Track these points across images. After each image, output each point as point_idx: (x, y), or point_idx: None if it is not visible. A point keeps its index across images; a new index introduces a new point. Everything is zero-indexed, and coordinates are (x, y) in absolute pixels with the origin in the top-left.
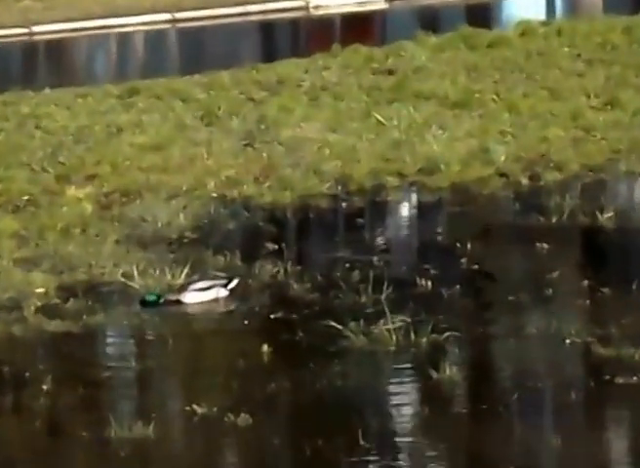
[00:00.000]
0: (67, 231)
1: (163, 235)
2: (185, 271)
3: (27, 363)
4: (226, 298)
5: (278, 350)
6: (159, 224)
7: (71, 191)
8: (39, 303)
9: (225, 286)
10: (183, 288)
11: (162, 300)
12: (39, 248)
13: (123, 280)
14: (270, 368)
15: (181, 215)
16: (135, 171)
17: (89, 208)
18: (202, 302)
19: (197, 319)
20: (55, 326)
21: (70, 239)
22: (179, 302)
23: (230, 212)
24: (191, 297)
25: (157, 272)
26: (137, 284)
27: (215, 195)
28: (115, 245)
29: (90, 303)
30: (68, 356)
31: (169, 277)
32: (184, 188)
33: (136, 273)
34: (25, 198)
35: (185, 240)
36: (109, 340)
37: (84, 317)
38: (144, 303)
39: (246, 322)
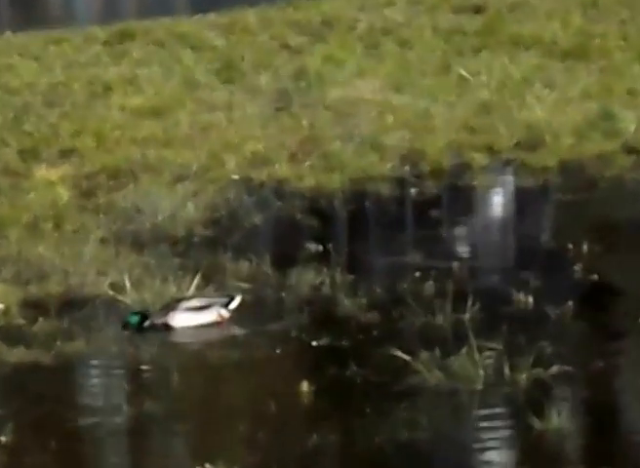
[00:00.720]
0: (35, 226)
1: (165, 232)
2: (196, 282)
3: None
4: (229, 321)
5: (322, 390)
6: (160, 217)
7: (41, 172)
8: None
9: (226, 306)
10: (171, 307)
11: (147, 323)
12: None
13: (111, 293)
14: (312, 414)
15: (191, 205)
16: (127, 144)
17: (65, 194)
18: (196, 326)
19: (207, 346)
20: (18, 355)
21: (40, 237)
22: (166, 326)
23: (257, 200)
24: (181, 320)
25: (157, 283)
26: (128, 298)
27: (236, 177)
28: (100, 245)
29: (65, 325)
30: (36, 397)
31: (173, 289)
32: (195, 168)
33: (128, 284)
34: None
35: (196, 238)
36: (91, 375)
37: (57, 343)
38: (125, 326)
39: (277, 351)
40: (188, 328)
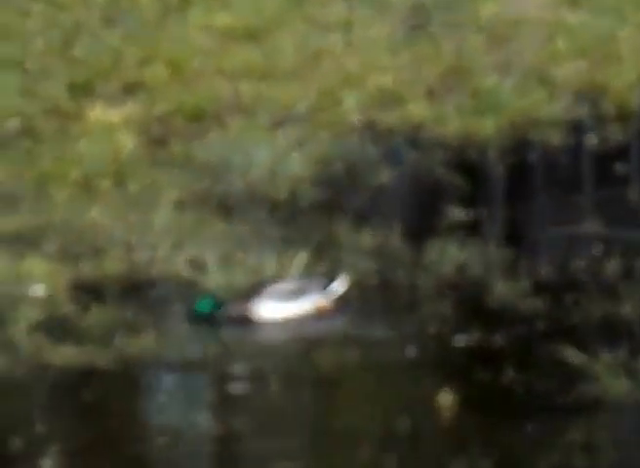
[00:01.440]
0: (89, 185)
1: (262, 193)
2: (303, 258)
3: (16, 423)
4: (333, 311)
5: (470, 402)
6: (255, 173)
7: (97, 112)
8: (36, 314)
9: (326, 289)
10: (253, 293)
11: (220, 312)
12: (37, 214)
13: (188, 273)
14: (455, 433)
15: (296, 158)
16: (212, 76)
17: (128, 143)
18: (285, 319)
19: (309, 345)
20: (65, 355)
21: (94, 199)
22: (245, 319)
23: (385, 151)
24: (266, 310)
25: (250, 259)
26: (212, 280)
27: (357, 121)
28: (175, 209)
29: (128, 316)
30: (89, 410)
31: (272, 268)
32: (302, 109)
33: (211, 261)
34: (13, 125)
35: (303, 201)
36: (161, 383)
37: (117, 340)
38: (192, 316)
39: (410, 352)
40: (275, 321)
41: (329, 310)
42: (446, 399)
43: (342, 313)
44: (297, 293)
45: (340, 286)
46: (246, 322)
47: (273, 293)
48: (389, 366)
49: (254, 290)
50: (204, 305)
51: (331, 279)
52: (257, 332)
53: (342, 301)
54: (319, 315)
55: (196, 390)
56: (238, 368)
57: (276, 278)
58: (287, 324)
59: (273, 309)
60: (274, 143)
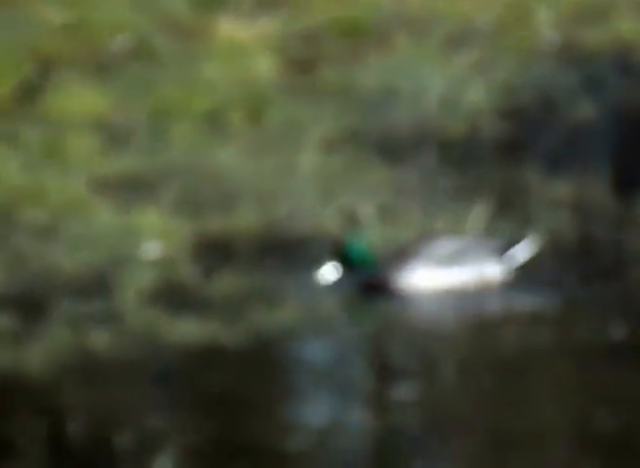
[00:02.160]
0: (215, 119)
1: (434, 128)
2: (482, 212)
3: (124, 415)
4: (508, 285)
5: None
6: (423, 106)
7: (226, 29)
8: (150, 279)
9: (506, 249)
10: (402, 255)
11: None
12: (151, 153)
13: (340, 227)
14: None
15: (474, 88)
16: None
17: (265, 66)
18: (441, 291)
19: (485, 325)
20: (186, 331)
21: (222, 136)
22: (387, 289)
23: (586, 78)
24: (415, 278)
25: (416, 213)
26: (370, 236)
27: (551, 40)
28: (322, 149)
29: (260, 282)
30: (214, 399)
31: (442, 224)
32: (482, 25)
33: (369, 212)
34: (122, 42)
35: (484, 139)
36: (298, 369)
37: (248, 313)
38: (344, 262)
39: (618, 334)
40: (428, 292)
41: (501, 283)
42: None
43: (523, 287)
44: (459, 258)
45: (524, 250)
46: (388, 291)
47: (427, 256)
48: (590, 350)
49: (406, 250)
50: (355, 245)
51: (512, 241)
52: (407, 306)
53: (526, 271)
54: (488, 288)
55: (347, 377)
56: (398, 350)
57: (438, 237)
58: (443, 297)
59: (423, 277)
60: (449, 68)
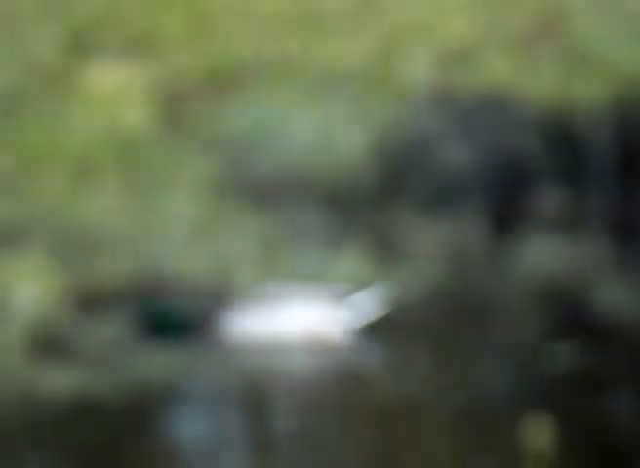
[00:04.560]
0: (86, 167)
1: (307, 173)
2: (354, 256)
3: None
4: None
5: (570, 437)
6: (297, 149)
7: (95, 74)
8: (21, 328)
9: (340, 306)
10: (240, 296)
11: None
12: (21, 202)
13: (213, 274)
14: None
15: (344, 131)
16: (238, 28)
17: (133, 112)
18: (279, 337)
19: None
20: (59, 383)
21: (93, 185)
22: (211, 329)
23: (458, 119)
24: (242, 323)
25: (287, 259)
26: (242, 282)
27: (422, 82)
28: (194, 196)
29: (136, 330)
30: (85, 454)
31: (313, 269)
32: (352, 68)
33: (240, 259)
34: None
35: (357, 184)
36: (176, 420)
37: (119, 363)
38: (155, 325)
39: (489, 377)
40: (248, 340)
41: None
42: (538, 437)
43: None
44: (283, 307)
45: (367, 298)
46: (210, 332)
47: (268, 297)
48: (466, 397)
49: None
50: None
51: (356, 289)
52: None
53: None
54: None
55: (220, 427)
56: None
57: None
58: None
59: (255, 321)
60: (318, 112)
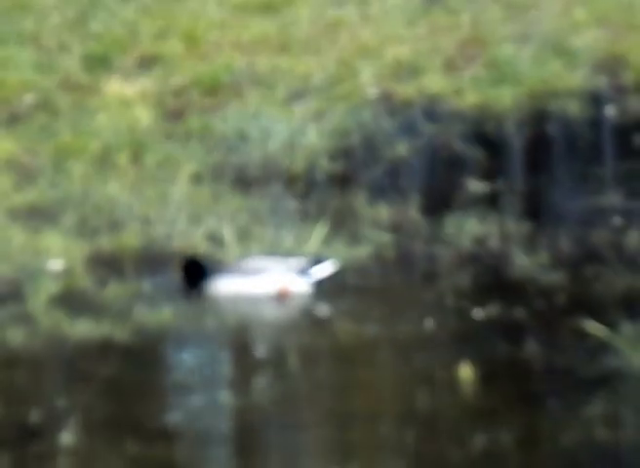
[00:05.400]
0: (106, 159)
1: (279, 166)
2: (321, 231)
3: (34, 397)
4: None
5: (489, 376)
6: (272, 146)
7: (113, 86)
8: (54, 288)
9: (304, 272)
10: (228, 264)
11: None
12: (54, 187)
13: (206, 247)
14: (475, 409)
15: (313, 130)
16: (228, 49)
17: (144, 116)
18: (247, 297)
19: (326, 321)
20: (83, 330)
21: (111, 173)
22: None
23: (402, 123)
24: (223, 285)
25: (268, 233)
26: (229, 254)
27: (373, 93)
28: (192, 183)
29: (145, 290)
30: (108, 385)
31: (289, 241)
32: (318, 81)
33: (228, 235)
34: (29, 99)
35: (320, 175)
36: (178, 358)
37: (134, 314)
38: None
39: (427, 325)
40: (233, 297)
41: (291, 293)
42: (465, 374)
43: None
44: (259, 272)
45: (320, 271)
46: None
47: (236, 270)
48: (407, 340)
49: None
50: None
51: (315, 261)
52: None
53: (324, 286)
54: (280, 297)
55: (214, 364)
56: (259, 340)
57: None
58: (252, 302)
59: (228, 285)
60: (291, 116)
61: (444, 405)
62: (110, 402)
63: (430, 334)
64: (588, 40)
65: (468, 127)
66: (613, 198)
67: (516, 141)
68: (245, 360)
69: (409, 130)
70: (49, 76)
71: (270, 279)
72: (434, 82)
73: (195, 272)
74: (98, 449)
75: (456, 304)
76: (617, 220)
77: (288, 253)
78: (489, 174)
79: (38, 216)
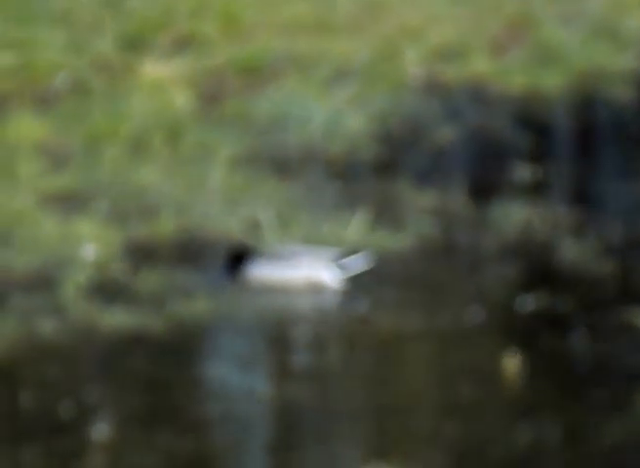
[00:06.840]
0: (140, 143)
1: (319, 150)
2: (361, 219)
3: (66, 390)
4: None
5: (535, 369)
6: (310, 131)
7: (148, 68)
8: (86, 276)
9: (339, 263)
10: (263, 251)
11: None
12: (87, 172)
13: (243, 234)
14: (521, 397)
15: (352, 114)
16: (266, 30)
17: (180, 99)
18: (288, 283)
19: (371, 311)
20: (116, 319)
21: (145, 157)
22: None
23: (446, 106)
24: (257, 272)
25: (307, 220)
26: (270, 241)
27: (416, 76)
28: (229, 168)
29: (180, 278)
30: (142, 377)
31: (328, 228)
32: (359, 63)
33: (266, 221)
34: (62, 80)
35: (361, 159)
36: (216, 348)
37: (169, 303)
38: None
39: (472, 316)
40: (269, 286)
41: (325, 284)
42: (511, 365)
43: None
44: (295, 262)
45: (358, 262)
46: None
47: (271, 258)
48: (450, 332)
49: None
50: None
51: (347, 253)
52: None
53: (365, 276)
54: (315, 288)
55: (252, 355)
56: (300, 332)
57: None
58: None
59: (262, 271)
60: (331, 99)
61: (488, 398)
62: (144, 394)
63: (474, 326)
64: (638, 21)
65: (515, 110)
66: None
67: (563, 126)
68: (282, 351)
69: (453, 113)
70: (81, 57)
71: (305, 269)
72: (479, 64)
73: (238, 260)
74: (131, 443)
75: (501, 294)
76: None
77: (326, 242)
78: (535, 159)
79: (70, 203)
